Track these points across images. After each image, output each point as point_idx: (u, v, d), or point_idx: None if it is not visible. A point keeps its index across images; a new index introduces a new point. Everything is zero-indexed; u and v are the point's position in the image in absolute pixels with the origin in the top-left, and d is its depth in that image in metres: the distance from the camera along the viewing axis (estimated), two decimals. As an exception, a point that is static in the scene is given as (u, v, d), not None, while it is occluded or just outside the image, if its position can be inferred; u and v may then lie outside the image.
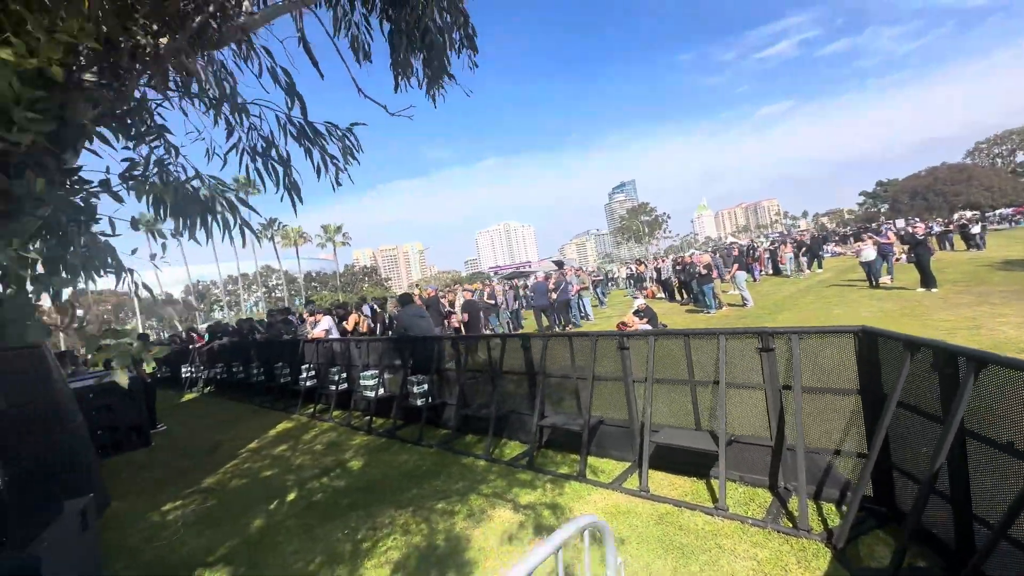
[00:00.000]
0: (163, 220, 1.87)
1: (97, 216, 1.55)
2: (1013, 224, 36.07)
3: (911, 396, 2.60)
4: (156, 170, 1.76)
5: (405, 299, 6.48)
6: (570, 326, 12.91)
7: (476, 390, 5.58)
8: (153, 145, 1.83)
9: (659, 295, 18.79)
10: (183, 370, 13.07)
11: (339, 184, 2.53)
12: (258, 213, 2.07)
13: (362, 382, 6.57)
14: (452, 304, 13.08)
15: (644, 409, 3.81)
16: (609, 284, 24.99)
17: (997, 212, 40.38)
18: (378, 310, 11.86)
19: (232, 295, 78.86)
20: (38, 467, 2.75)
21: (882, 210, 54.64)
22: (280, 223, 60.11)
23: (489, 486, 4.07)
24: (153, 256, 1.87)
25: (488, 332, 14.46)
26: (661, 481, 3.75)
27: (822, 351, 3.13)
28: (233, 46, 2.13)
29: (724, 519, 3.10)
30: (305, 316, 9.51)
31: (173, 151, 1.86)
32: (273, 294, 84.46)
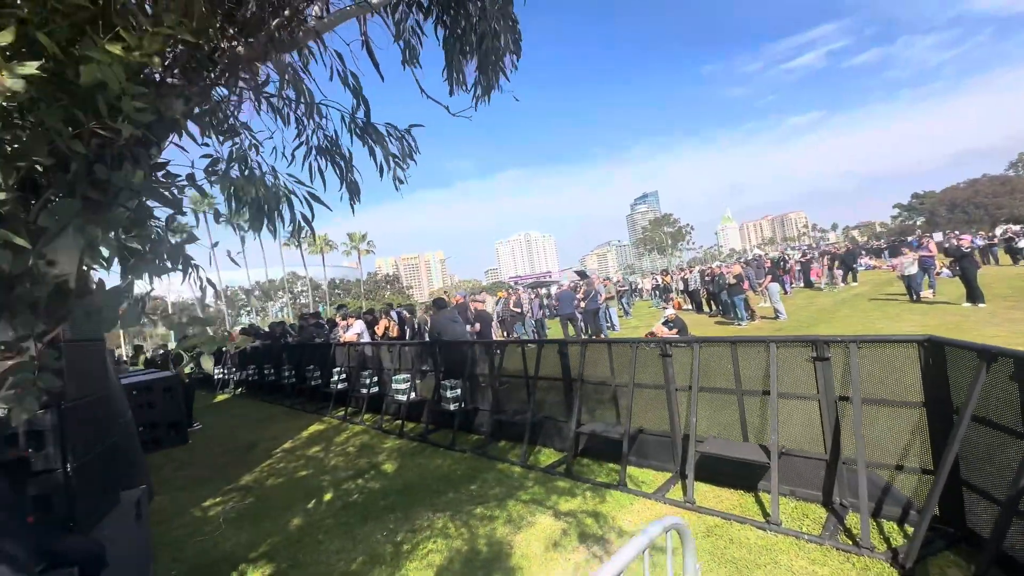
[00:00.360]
0: (241, 214, 1.92)
1: (184, 209, 1.61)
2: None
3: (986, 410, 2.47)
4: (236, 165, 1.82)
5: (440, 303, 6.53)
6: (600, 335, 12.78)
7: (510, 396, 5.56)
8: (234, 141, 1.89)
9: (686, 306, 18.47)
10: (215, 371, 13.41)
11: (402, 182, 2.57)
12: (329, 208, 2.11)
13: (394, 386, 6.61)
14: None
15: (688, 419, 3.72)
16: (633, 295, 24.71)
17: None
18: (407, 316, 11.97)
19: (261, 300, 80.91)
20: (98, 458, 2.83)
21: (918, 223, 52.78)
22: (307, 231, 61.56)
23: (527, 492, 4.02)
24: (229, 253, 1.92)
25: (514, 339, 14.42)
26: (706, 493, 3.64)
27: (883, 361, 3.01)
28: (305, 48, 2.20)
29: (778, 534, 2.99)
30: (337, 320, 9.65)
31: (254, 148, 1.93)
32: (298, 300, 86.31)
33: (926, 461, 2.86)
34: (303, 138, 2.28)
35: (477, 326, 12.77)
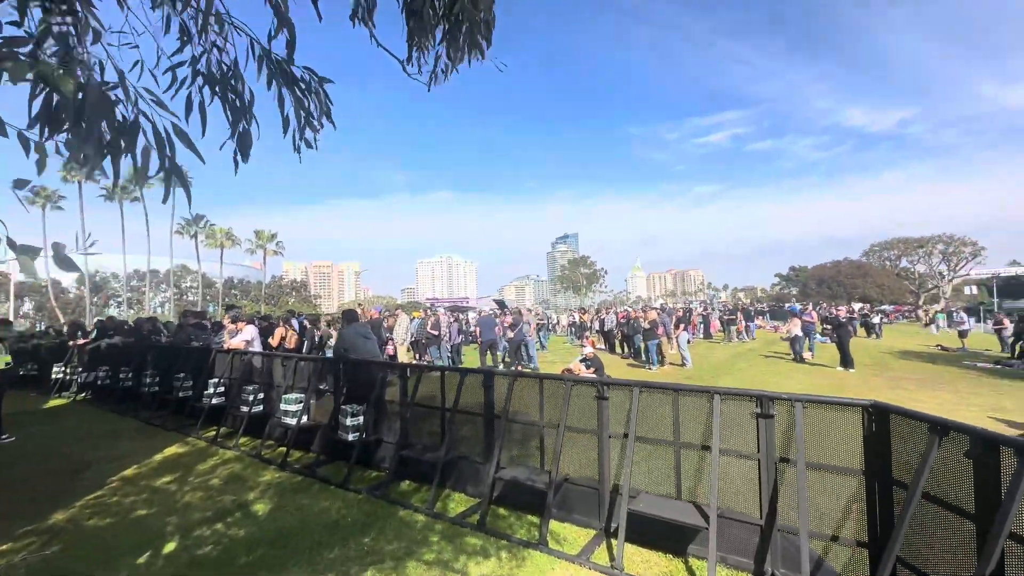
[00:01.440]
0: (57, 130, 1.21)
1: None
2: (892, 319, 40.73)
3: (934, 485, 2.38)
4: (57, 48, 1.14)
5: (350, 315, 5.71)
6: (518, 367, 12.41)
7: (420, 429, 4.90)
8: (59, 21, 1.20)
9: (600, 345, 18.90)
10: (54, 370, 10.96)
11: (309, 146, 1.97)
12: (202, 160, 1.47)
13: (283, 406, 5.63)
14: (391, 330, 12.19)
15: (621, 471, 3.38)
16: (550, 330, 24.96)
17: (882, 307, 45.53)
18: (307, 326, 10.72)
19: (136, 291, 70.85)
20: None
21: (793, 292, 60.51)
22: (207, 221, 55.54)
23: (431, 550, 3.38)
24: (22, 184, 1.19)
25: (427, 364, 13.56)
26: (634, 556, 3.28)
27: (825, 423, 2.91)
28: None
29: (713, 611, 2.68)
30: (225, 322, 8.29)
31: (92, 33, 1.24)
32: (185, 296, 77.04)
33: (861, 533, 2.75)
34: (186, 55, 1.61)
35: (389, 347, 11.86)
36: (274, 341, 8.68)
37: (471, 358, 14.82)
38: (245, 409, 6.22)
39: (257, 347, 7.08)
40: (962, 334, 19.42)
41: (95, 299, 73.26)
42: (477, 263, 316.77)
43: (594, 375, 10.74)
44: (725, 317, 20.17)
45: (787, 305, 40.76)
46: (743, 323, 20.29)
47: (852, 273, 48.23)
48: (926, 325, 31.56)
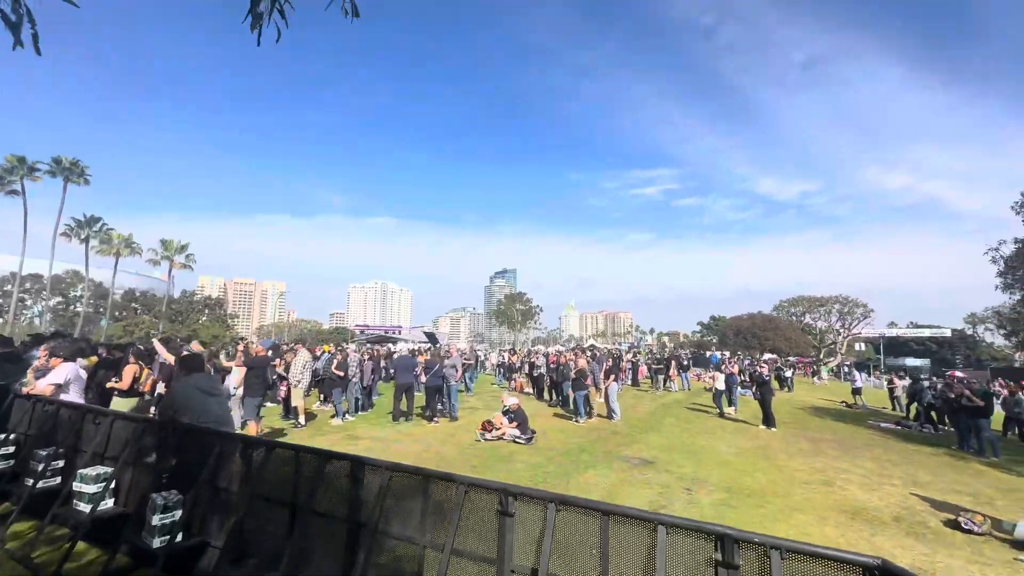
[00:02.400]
0: None
1: None
2: (803, 371, 43.66)
3: None
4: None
5: (192, 364, 4.21)
6: (438, 419, 11.06)
7: (262, 529, 3.55)
8: None
9: (527, 390, 17.96)
10: None
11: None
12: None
13: (77, 484, 4.03)
14: (288, 368, 10.47)
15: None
16: (478, 368, 23.74)
17: (789, 359, 48.78)
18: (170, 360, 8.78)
19: (8, 297, 60.77)
20: None
21: (713, 340, 63.90)
22: (104, 224, 49.22)
23: None
24: None
25: (331, 412, 11.81)
26: None
27: (808, 581, 2.05)
28: None
29: None
30: (40, 355, 6.35)
31: None
32: (72, 307, 67.67)
33: None
34: None
35: (282, 389, 10.09)
36: (123, 383, 6.81)
37: (388, 399, 13.26)
38: (30, 482, 4.49)
39: (75, 393, 5.32)
40: (855, 391, 20.73)
41: (-52, 304, 62.30)
42: (413, 291, 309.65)
43: (516, 429, 9.71)
44: (654, 366, 20.10)
45: (708, 353, 42.55)
46: (676, 372, 20.31)
47: (764, 326, 51.77)
48: (812, 374, 33.96)
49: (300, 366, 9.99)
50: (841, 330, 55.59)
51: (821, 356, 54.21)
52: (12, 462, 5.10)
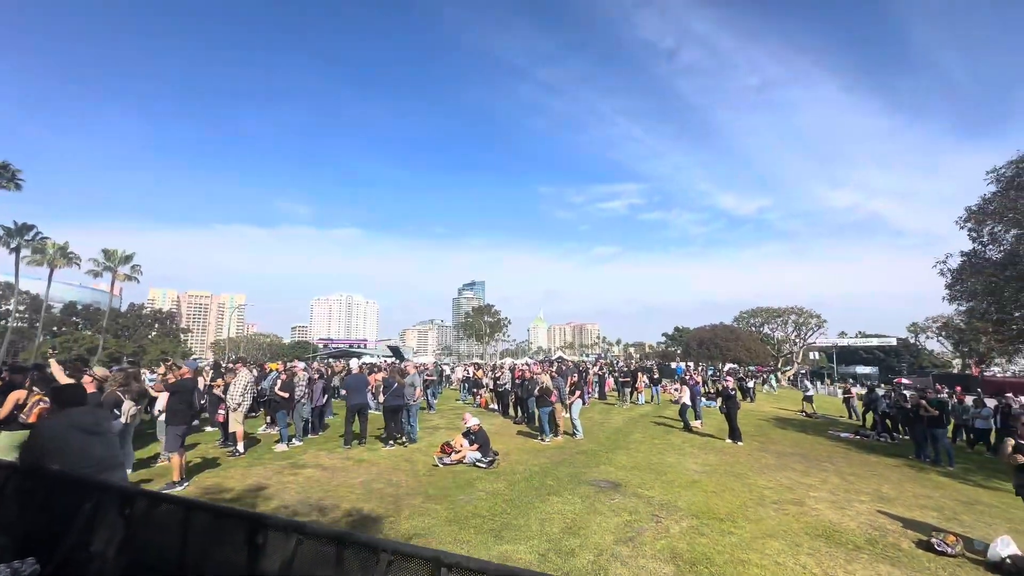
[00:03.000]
0: None
1: None
2: (765, 378, 44.83)
3: None
4: None
5: (66, 396, 3.40)
6: (395, 442, 10.31)
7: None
8: None
9: (492, 406, 17.37)
10: None
11: None
12: None
13: (-90, 553, 3.19)
14: (226, 389, 9.53)
15: None
16: (442, 383, 22.94)
17: (750, 368, 50.08)
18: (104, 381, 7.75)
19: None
20: None
21: (677, 351, 65.11)
22: (38, 233, 45.64)
23: None
24: None
25: (276, 437, 10.89)
26: None
27: None
28: None
29: None
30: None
31: None
32: (5, 321, 62.70)
33: None
34: None
35: (220, 413, 9.16)
36: (3, 409, 5.80)
37: (339, 422, 12.38)
38: None
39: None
40: (807, 399, 21.33)
41: None
42: (380, 304, 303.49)
43: (477, 451, 9.11)
44: (621, 379, 19.89)
45: (673, 365, 43.11)
46: (643, 385, 20.14)
47: (726, 336, 53.08)
48: (763, 383, 34.61)
49: (240, 387, 9.08)
50: (797, 340, 57.67)
51: (779, 365, 56.00)
52: None
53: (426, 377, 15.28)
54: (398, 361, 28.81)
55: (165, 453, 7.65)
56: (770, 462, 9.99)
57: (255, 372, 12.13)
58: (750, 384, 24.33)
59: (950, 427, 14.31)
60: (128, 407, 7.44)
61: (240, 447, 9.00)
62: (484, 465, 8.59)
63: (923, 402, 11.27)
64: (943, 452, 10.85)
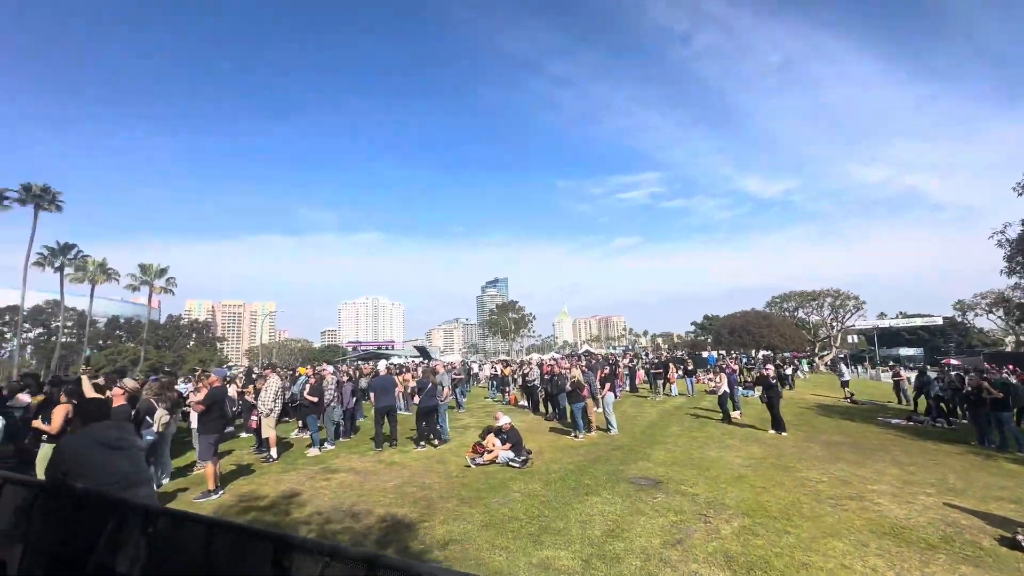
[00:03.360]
0: None
1: None
2: (807, 365, 43.24)
3: None
4: None
5: (90, 411, 3.30)
6: (426, 443, 10.18)
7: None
8: None
9: (522, 402, 17.14)
10: None
11: None
12: None
13: (-55, 575, 3.13)
14: (258, 396, 9.58)
15: None
16: (470, 382, 22.85)
17: (785, 354, 48.55)
18: (140, 391, 7.84)
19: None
20: None
21: (708, 340, 63.53)
22: (79, 252, 47.72)
23: None
24: None
25: (308, 441, 10.92)
26: None
27: None
28: None
29: None
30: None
31: None
32: (53, 338, 65.92)
33: None
34: None
35: (253, 419, 9.17)
36: (54, 425, 5.87)
37: (368, 426, 12.35)
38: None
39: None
40: (844, 384, 20.38)
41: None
42: (405, 305, 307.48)
43: (510, 451, 8.88)
44: (652, 371, 19.35)
45: (705, 354, 42.01)
46: (676, 376, 19.54)
47: (759, 323, 51.39)
48: (794, 370, 32.03)
49: (271, 393, 9.10)
50: (834, 323, 55.47)
51: (816, 350, 54.07)
52: None
53: (454, 376, 15.14)
54: (427, 361, 28.93)
55: (200, 462, 7.69)
56: (820, 453, 9.43)
57: (287, 377, 12.21)
58: (788, 371, 23.37)
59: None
60: (161, 415, 7.52)
61: (273, 453, 9.01)
62: (517, 465, 8.36)
63: (985, 384, 10.47)
64: (1011, 437, 10.05)
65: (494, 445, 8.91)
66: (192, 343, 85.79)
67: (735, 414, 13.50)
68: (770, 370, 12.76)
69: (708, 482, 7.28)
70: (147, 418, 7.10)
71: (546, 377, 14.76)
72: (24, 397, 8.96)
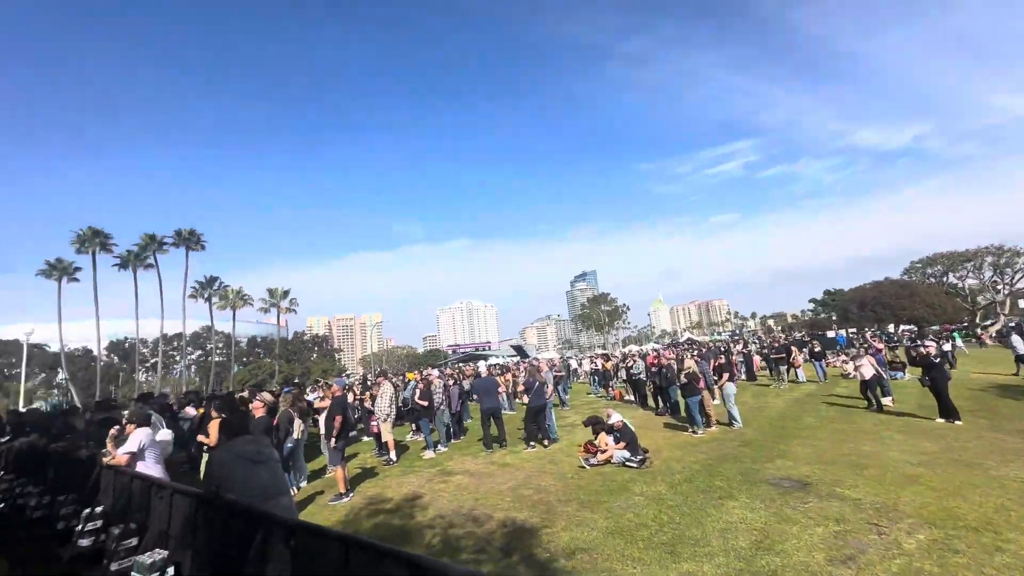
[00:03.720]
0: None
1: None
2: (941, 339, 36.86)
3: None
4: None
5: (232, 426, 3.56)
6: (544, 442, 10.05)
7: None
8: None
9: (628, 397, 16.40)
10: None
11: None
12: None
13: (134, 574, 3.54)
14: (373, 400, 10.11)
15: None
16: (571, 378, 22.47)
17: (932, 328, 41.78)
18: (279, 401, 8.68)
19: (167, 355, 70.79)
20: None
21: (833, 317, 56.38)
22: (221, 283, 55.43)
23: None
24: None
25: (423, 444, 11.31)
26: None
27: None
28: None
29: None
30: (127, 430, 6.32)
31: None
32: (209, 358, 77.12)
33: None
34: None
35: (373, 424, 9.65)
36: (211, 438, 6.64)
37: (476, 427, 12.52)
38: (115, 566, 4.15)
39: (151, 459, 5.08)
40: (1020, 359, 16.20)
41: (124, 366, 73.59)
42: (497, 307, 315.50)
43: (625, 450, 8.37)
44: (772, 355, 17.43)
45: (831, 333, 37.28)
46: (800, 360, 17.44)
47: (897, 293, 44.42)
48: (952, 347, 25.55)
49: (386, 399, 9.56)
50: (999, 286, 46.23)
51: (977, 319, 45.57)
52: (93, 539, 4.89)
53: (555, 373, 14.88)
54: (525, 360, 29.14)
55: (331, 466, 8.25)
56: (1016, 445, 7.64)
57: (400, 384, 12.81)
58: (947, 347, 19.75)
59: None
60: (298, 424, 8.18)
61: (393, 455, 9.44)
62: (635, 465, 7.84)
63: None
64: None
65: (607, 444, 8.47)
66: (315, 355, 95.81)
67: (886, 401, 11.59)
68: (931, 347, 10.72)
69: (870, 483, 6.18)
70: (288, 428, 7.76)
71: (652, 369, 13.92)
72: (190, 410, 10.35)
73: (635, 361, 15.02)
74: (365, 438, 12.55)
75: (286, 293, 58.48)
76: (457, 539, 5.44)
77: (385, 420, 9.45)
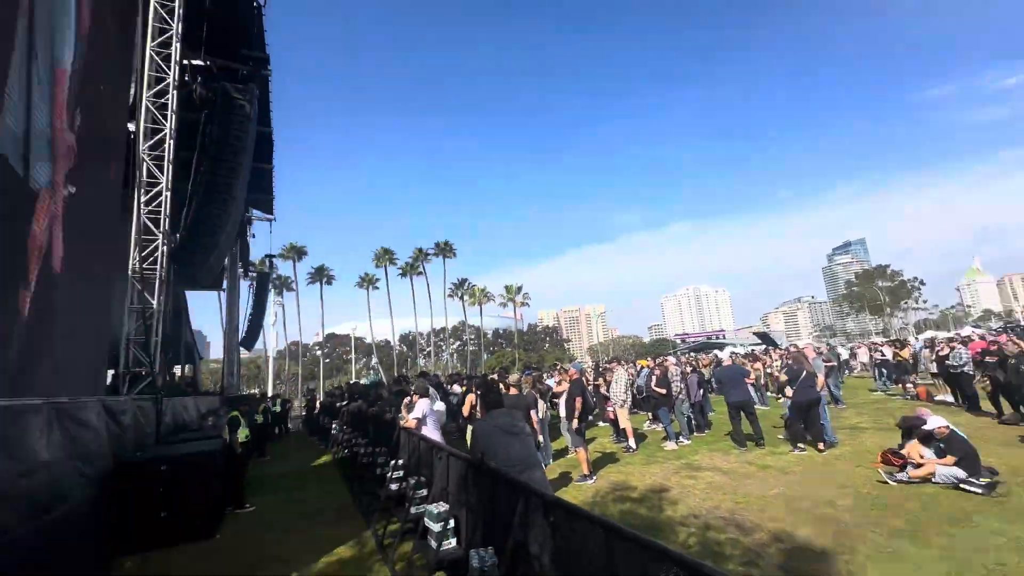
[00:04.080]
0: None
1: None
2: None
3: None
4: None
5: (491, 399, 3.76)
6: (817, 445, 8.32)
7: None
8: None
9: (940, 396, 12.21)
10: (334, 426, 12.85)
11: None
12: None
13: (426, 522, 4.16)
14: (609, 386, 10.01)
15: None
16: (843, 370, 18.14)
17: None
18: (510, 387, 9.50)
19: (435, 345, 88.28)
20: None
21: None
22: (470, 283, 65.37)
23: None
24: None
25: (662, 434, 10.75)
26: None
27: None
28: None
29: None
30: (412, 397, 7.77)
31: None
32: (466, 347, 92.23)
33: None
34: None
35: (609, 410, 9.58)
36: (465, 410, 7.65)
37: (723, 419, 11.18)
38: (413, 510, 5.07)
39: (431, 425, 6.04)
40: None
41: (410, 353, 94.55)
42: (730, 291, 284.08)
43: (960, 471, 6.03)
44: None
45: None
46: None
47: None
48: None
49: (622, 385, 9.35)
50: None
51: None
52: (398, 485, 6.04)
53: (826, 363, 12.08)
54: (778, 348, 25.14)
55: (572, 448, 8.48)
56: None
57: (632, 370, 12.50)
58: None
59: None
60: (542, 405, 8.70)
61: (632, 443, 9.15)
62: (978, 490, 5.57)
63: None
64: None
65: (922, 456, 6.30)
66: (547, 345, 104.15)
67: None
68: None
69: None
70: (533, 410, 8.34)
71: (987, 361, 9.90)
72: (456, 388, 12.25)
73: (956, 347, 10.98)
74: (600, 423, 12.65)
75: (519, 288, 65.05)
76: (718, 544, 4.76)
77: (621, 406, 9.23)
